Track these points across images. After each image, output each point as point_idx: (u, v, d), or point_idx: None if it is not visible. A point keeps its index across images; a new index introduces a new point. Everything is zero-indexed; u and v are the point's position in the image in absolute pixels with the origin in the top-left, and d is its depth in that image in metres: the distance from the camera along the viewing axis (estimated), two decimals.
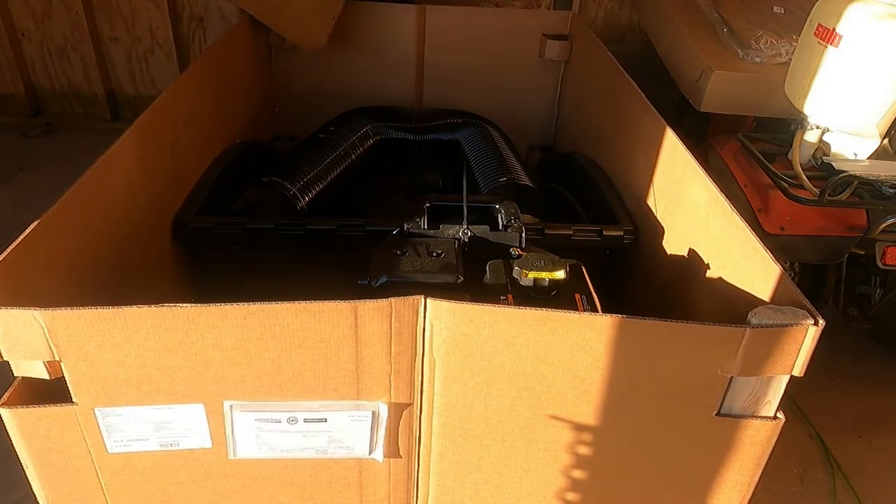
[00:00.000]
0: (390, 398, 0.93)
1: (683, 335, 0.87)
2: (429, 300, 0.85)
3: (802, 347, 0.86)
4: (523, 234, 1.32)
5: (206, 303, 0.84)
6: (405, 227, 1.32)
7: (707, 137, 2.07)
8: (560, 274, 1.13)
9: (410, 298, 0.85)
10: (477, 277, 1.18)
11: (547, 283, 1.13)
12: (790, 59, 1.78)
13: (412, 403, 0.94)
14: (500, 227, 1.35)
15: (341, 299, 0.84)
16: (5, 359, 0.84)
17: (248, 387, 0.90)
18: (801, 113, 1.71)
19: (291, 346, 0.87)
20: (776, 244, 1.67)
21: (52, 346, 0.83)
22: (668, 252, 1.38)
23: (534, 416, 0.95)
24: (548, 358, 0.89)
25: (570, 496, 1.04)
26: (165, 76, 3.41)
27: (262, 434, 0.93)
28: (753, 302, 0.99)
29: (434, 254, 1.21)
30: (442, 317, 0.86)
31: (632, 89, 1.59)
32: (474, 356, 0.89)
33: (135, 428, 0.91)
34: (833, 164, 1.67)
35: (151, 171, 1.35)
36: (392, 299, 0.85)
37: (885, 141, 1.70)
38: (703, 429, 0.93)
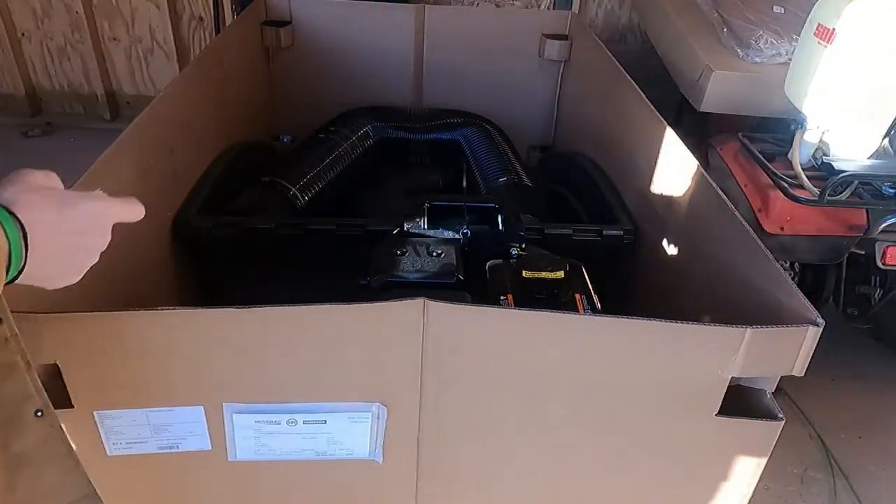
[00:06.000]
0: (390, 399, 0.93)
1: (684, 336, 0.86)
2: (429, 302, 0.84)
3: (802, 347, 0.86)
4: (523, 234, 1.32)
5: (206, 304, 0.84)
6: (405, 227, 1.32)
7: (707, 137, 2.07)
8: (560, 274, 1.13)
9: (411, 301, 0.85)
10: (477, 277, 1.18)
11: (547, 283, 1.13)
12: (790, 59, 1.77)
13: (412, 404, 0.94)
14: (500, 227, 1.35)
15: (341, 299, 0.84)
16: None
17: (247, 389, 0.90)
18: (801, 113, 1.71)
19: (291, 349, 0.87)
20: (776, 244, 1.67)
21: (49, 350, 0.83)
22: (668, 252, 1.38)
23: (534, 416, 0.94)
24: (547, 358, 0.89)
25: (571, 497, 1.03)
26: (165, 76, 3.40)
27: (262, 436, 0.93)
28: (754, 302, 0.99)
29: (434, 254, 1.21)
30: (442, 319, 0.86)
31: (632, 89, 1.59)
32: (474, 357, 0.89)
33: (134, 430, 0.91)
34: (833, 164, 1.67)
35: (150, 170, 1.35)
36: (392, 302, 0.84)
37: (885, 141, 1.70)
38: (703, 430, 0.93)
